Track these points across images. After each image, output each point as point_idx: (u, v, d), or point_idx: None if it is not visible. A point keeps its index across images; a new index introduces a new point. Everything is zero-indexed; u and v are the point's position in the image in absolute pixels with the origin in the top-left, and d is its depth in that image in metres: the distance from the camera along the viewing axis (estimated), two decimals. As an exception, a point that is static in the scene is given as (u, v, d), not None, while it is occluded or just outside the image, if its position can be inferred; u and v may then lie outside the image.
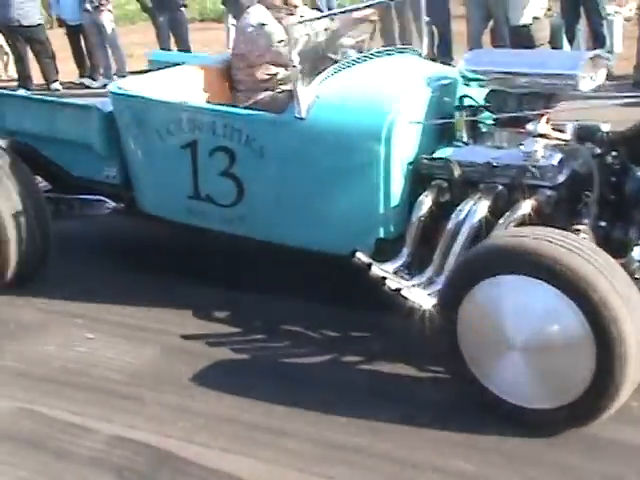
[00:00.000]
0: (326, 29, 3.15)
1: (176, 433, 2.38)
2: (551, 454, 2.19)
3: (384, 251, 2.78)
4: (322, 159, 2.81)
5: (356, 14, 3.09)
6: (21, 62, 8.07)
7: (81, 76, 8.37)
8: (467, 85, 2.82)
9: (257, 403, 2.48)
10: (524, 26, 6.10)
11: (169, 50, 7.54)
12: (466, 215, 2.59)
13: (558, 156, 2.60)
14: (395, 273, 2.68)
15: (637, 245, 2.44)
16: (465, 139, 2.81)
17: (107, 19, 7.87)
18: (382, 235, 2.80)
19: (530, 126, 2.61)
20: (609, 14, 6.56)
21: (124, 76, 8.14)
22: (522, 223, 2.49)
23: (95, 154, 3.25)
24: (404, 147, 2.74)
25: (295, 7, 3.21)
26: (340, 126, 2.77)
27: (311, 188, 2.85)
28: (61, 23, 8.31)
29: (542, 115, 2.61)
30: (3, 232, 3.17)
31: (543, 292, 2.12)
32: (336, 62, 2.99)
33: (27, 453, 2.34)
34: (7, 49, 8.49)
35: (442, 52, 6.53)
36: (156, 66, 3.64)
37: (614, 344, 2.03)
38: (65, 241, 3.53)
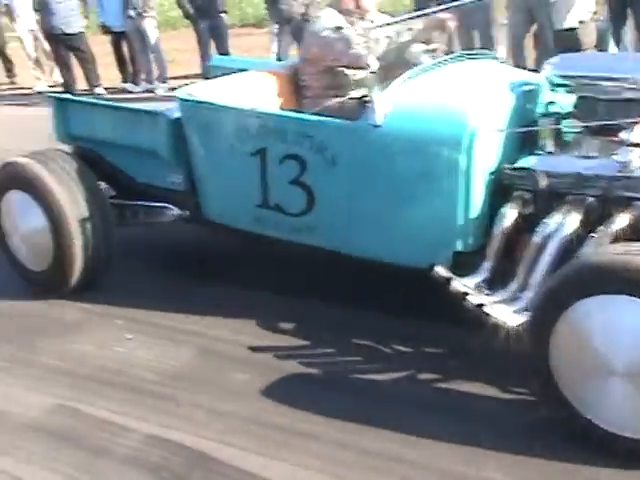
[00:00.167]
0: (399, 33, 2.99)
1: (210, 434, 2.37)
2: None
3: (461, 264, 2.62)
4: (398, 168, 2.66)
5: (431, 18, 2.92)
6: (65, 68, 8.04)
7: (123, 81, 8.32)
8: (553, 91, 2.65)
9: (292, 407, 2.45)
10: (569, 30, 5.88)
11: (210, 55, 7.46)
12: (554, 229, 2.42)
13: (655, 167, 2.42)
14: (475, 288, 2.52)
15: None
16: (550, 148, 2.63)
17: (150, 25, 7.81)
18: (460, 248, 2.64)
19: (623, 134, 2.42)
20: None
21: (165, 81, 8.12)
22: (616, 239, 2.32)
23: (161, 160, 3.13)
24: (485, 156, 2.59)
25: (367, 12, 3.06)
26: (418, 134, 2.61)
27: (386, 198, 2.70)
28: (105, 30, 8.24)
29: (637, 123, 2.42)
30: (69, 239, 3.08)
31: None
32: (411, 67, 2.82)
33: (67, 449, 2.36)
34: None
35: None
36: (218, 72, 3.50)
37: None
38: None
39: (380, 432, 2.30)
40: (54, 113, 3.39)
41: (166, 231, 3.58)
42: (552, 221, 2.44)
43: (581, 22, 5.84)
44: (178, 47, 8.90)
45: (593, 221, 2.41)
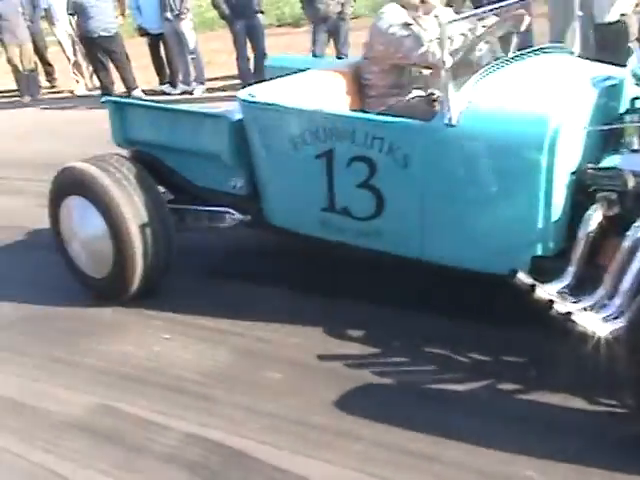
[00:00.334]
0: (473, 29, 2.80)
1: (248, 433, 2.34)
2: None
3: (541, 269, 2.44)
4: (474, 169, 2.49)
5: (505, 12, 2.73)
6: (104, 71, 7.96)
7: (161, 83, 8.22)
8: (639, 85, 2.45)
9: (329, 407, 2.40)
10: (610, 24, 5.63)
11: (246, 56, 7.32)
12: (646, 232, 2.23)
13: None
14: (558, 295, 2.34)
15: None
16: (635, 146, 2.44)
17: (187, 27, 7.69)
18: (540, 252, 2.47)
19: None
20: None
21: (202, 83, 8.00)
22: None
23: (221, 164, 2.99)
24: (567, 156, 2.41)
25: (432, 7, 2.88)
26: (496, 133, 2.44)
27: (461, 200, 2.53)
28: (142, 32, 8.14)
29: None
30: (130, 244, 2.96)
31: None
32: (483, 65, 2.64)
33: (107, 447, 2.35)
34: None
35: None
36: (275, 72, 3.34)
37: None
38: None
39: (419, 433, 2.23)
40: (111, 117, 3.27)
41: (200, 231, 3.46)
42: (642, 224, 2.25)
43: (622, 15, 5.60)
44: (216, 48, 8.77)
45: (689, 224, 2.22)
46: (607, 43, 5.45)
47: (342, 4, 6.76)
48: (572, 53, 2.89)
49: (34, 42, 8.78)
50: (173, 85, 8.06)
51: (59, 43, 8.68)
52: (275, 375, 2.60)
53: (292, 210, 2.92)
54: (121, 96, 7.72)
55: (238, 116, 2.92)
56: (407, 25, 2.81)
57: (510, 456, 2.10)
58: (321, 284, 3.10)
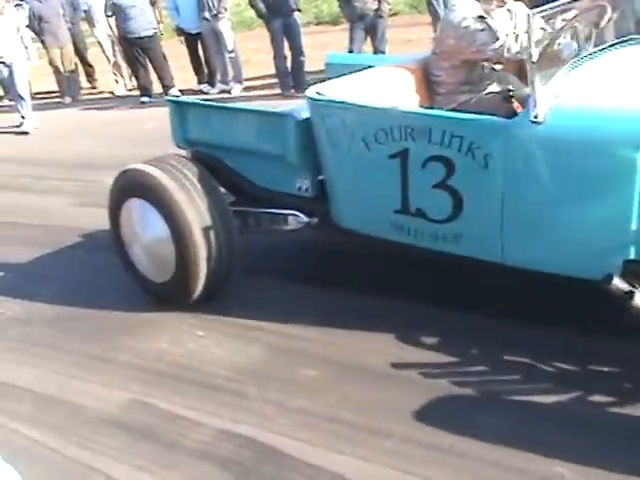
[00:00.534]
0: (554, 21, 2.57)
1: (280, 429, 2.30)
2: None
3: (634, 274, 2.23)
4: (562, 169, 2.29)
5: (590, 4, 2.51)
6: (142, 71, 7.85)
7: (199, 83, 8.07)
8: None
9: (362, 404, 2.33)
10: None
11: (284, 55, 7.14)
12: None
13: None
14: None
15: None
16: None
17: (225, 27, 7.53)
18: (632, 256, 2.26)
19: None
20: None
21: (240, 82, 7.84)
22: None
23: (286, 164, 2.81)
24: (665, 154, 2.18)
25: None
26: (587, 131, 2.24)
27: (548, 202, 2.33)
28: (180, 32, 8.00)
29: None
30: (193, 248, 2.80)
31: None
32: (566, 59, 2.42)
33: (142, 443, 2.33)
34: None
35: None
36: (334, 70, 3.15)
37: None
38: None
39: (449, 428, 2.15)
40: (171, 117, 3.11)
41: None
42: None
43: (667, 9, 5.30)
44: (253, 47, 8.61)
45: None
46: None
47: (379, 1, 6.57)
48: (661, 44, 2.66)
49: (74, 43, 8.70)
50: (211, 84, 7.92)
51: (99, 44, 8.58)
52: (308, 372, 2.54)
53: (362, 212, 2.73)
54: (158, 95, 7.65)
55: (305, 115, 2.74)
56: (482, 18, 2.60)
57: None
58: (357, 283, 2.98)
